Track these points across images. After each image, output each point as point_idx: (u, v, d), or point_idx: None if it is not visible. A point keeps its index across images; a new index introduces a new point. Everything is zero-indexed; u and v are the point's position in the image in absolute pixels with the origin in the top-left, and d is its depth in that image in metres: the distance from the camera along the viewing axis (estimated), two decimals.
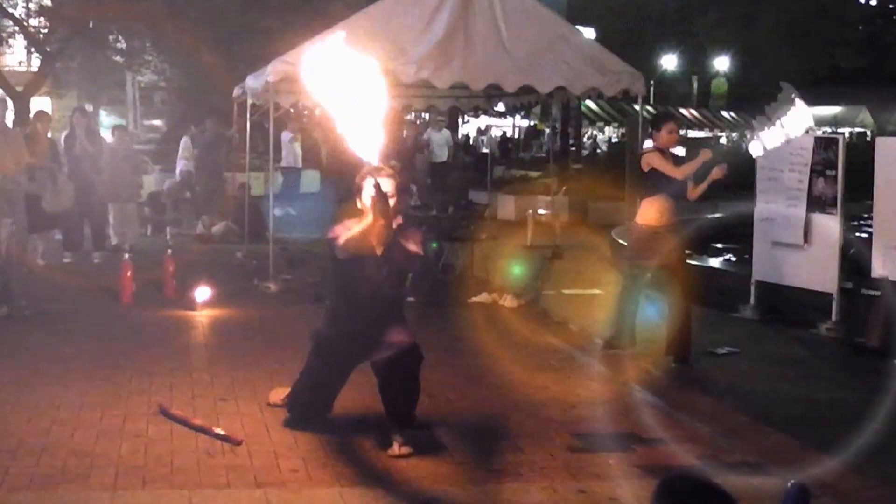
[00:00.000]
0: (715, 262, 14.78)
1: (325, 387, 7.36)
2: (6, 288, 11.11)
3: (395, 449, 6.77)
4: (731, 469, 6.64)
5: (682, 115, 59.21)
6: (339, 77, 6.04)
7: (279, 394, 7.75)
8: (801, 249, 11.24)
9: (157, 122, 38.45)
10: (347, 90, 6.05)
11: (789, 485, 4.43)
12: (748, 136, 9.79)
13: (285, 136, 22.62)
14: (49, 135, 15.83)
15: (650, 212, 9.65)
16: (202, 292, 11.72)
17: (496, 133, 39.72)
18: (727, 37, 58.59)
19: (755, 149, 9.29)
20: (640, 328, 9.91)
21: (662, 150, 9.61)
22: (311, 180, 27.15)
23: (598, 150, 46.08)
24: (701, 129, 59.16)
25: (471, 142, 47.45)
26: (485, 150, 25.66)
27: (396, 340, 6.91)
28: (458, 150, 32.02)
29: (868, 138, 50.66)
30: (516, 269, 12.20)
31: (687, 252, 10.00)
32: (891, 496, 5.91)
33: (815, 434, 7.63)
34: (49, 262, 14.59)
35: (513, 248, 16.25)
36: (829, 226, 11.00)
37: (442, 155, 25.03)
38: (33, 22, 33.45)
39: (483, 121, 43.78)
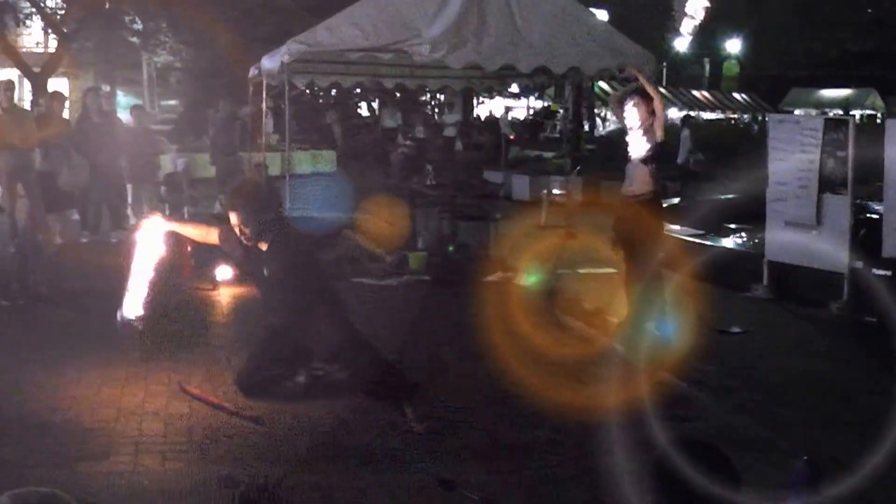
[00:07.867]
0: (728, 242, 14.84)
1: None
2: (20, 267, 11.18)
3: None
4: (740, 446, 6.71)
5: (695, 96, 59.11)
6: None
7: None
8: (812, 230, 11.30)
9: (174, 102, 38.47)
10: None
11: (801, 463, 4.51)
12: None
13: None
14: (66, 115, 15.88)
15: None
16: (222, 271, 11.82)
17: (519, 115, 39.66)
18: (737, 19, 58.32)
19: None
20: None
21: None
22: (326, 160, 27.24)
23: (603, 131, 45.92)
24: (713, 111, 58.95)
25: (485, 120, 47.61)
26: (506, 132, 26.02)
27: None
28: (472, 130, 33.04)
29: (878, 121, 50.40)
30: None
31: (654, 225, 9.77)
32: None
33: (825, 412, 7.73)
34: (67, 242, 14.66)
35: (527, 227, 16.29)
36: (840, 207, 11.07)
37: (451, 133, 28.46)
38: (50, 3, 33.52)
39: (502, 102, 43.69)
